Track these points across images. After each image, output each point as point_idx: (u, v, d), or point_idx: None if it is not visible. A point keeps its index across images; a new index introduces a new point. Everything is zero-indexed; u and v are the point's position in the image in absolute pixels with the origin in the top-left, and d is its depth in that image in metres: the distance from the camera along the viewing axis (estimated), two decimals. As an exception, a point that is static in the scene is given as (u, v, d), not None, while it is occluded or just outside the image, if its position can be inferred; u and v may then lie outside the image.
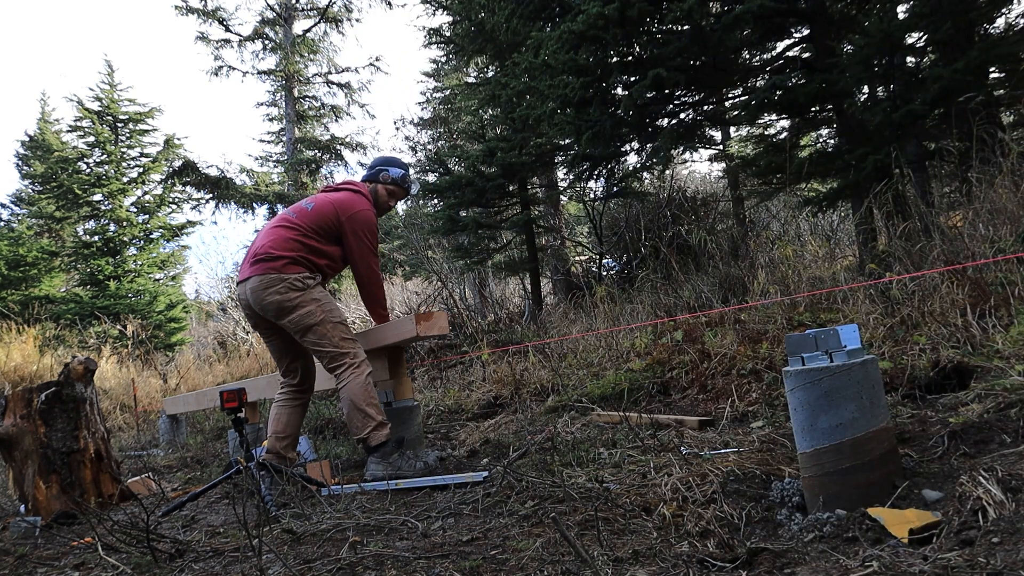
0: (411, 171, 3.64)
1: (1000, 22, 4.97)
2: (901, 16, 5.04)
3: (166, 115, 57.00)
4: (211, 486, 3.01)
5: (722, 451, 2.43)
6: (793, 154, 5.38)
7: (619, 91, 5.51)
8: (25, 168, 20.98)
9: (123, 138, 17.34)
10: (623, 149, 6.25)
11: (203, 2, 14.00)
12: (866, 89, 5.44)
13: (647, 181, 8.90)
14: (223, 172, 13.65)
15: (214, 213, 14.27)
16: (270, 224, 3.42)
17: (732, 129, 9.31)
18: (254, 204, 14.11)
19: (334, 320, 3.23)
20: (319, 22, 14.86)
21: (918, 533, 1.49)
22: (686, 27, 4.95)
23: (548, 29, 6.08)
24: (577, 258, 10.14)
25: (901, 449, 1.92)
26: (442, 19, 23.68)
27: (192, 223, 17.32)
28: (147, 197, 17.13)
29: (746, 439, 2.56)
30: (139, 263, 16.39)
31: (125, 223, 16.31)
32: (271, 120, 18.26)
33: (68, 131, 18.27)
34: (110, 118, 17.10)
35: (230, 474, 3.02)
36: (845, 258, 5.05)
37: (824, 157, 5.09)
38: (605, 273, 8.70)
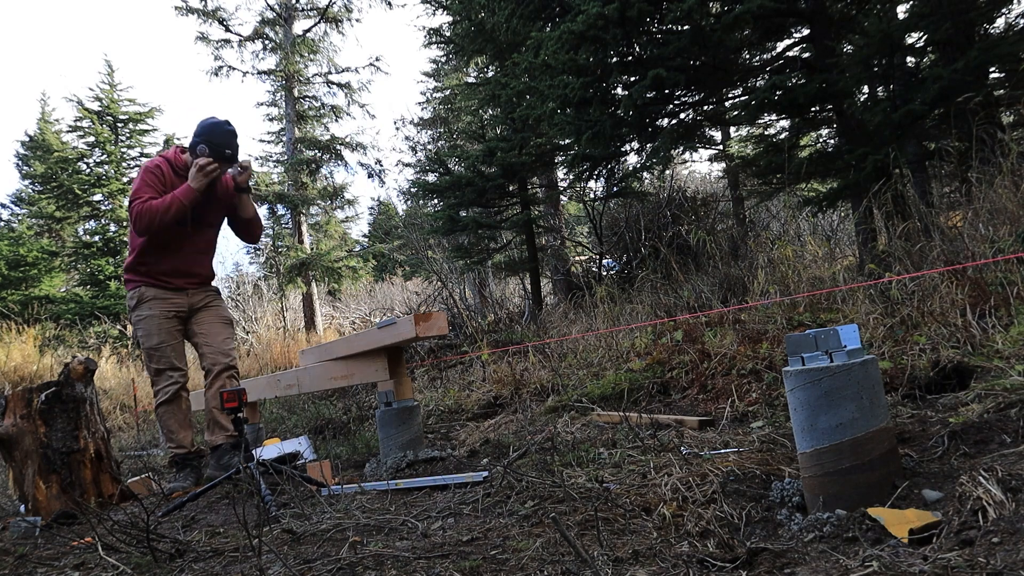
0: (235, 137, 3.43)
1: (1000, 22, 4.97)
2: (901, 16, 5.04)
3: (166, 115, 57.02)
4: (211, 486, 3.01)
5: (722, 451, 2.43)
6: (793, 154, 5.39)
7: (619, 91, 5.51)
8: (25, 168, 20.99)
9: (123, 138, 17.35)
10: (623, 149, 6.25)
11: (203, 2, 14.00)
12: (866, 89, 5.45)
13: (647, 181, 8.91)
14: (223, 172, 13.62)
15: (214, 213, 14.24)
16: None
17: (732, 129, 9.32)
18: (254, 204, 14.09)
19: (144, 347, 3.53)
20: (319, 22, 14.86)
21: (918, 533, 1.49)
22: (686, 27, 4.95)
23: (548, 29, 6.09)
24: (577, 258, 10.14)
25: (901, 449, 1.92)
26: (442, 19, 23.70)
27: (192, 223, 17.29)
28: (147, 197, 17.11)
29: (746, 439, 2.56)
30: (139, 263, 16.36)
31: (125, 223, 16.30)
32: (271, 120, 18.29)
33: (68, 131, 18.29)
34: (110, 118, 17.11)
35: (230, 474, 3.02)
36: (845, 258, 5.06)
37: (824, 157, 5.09)
38: (605, 273, 8.70)
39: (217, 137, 3.34)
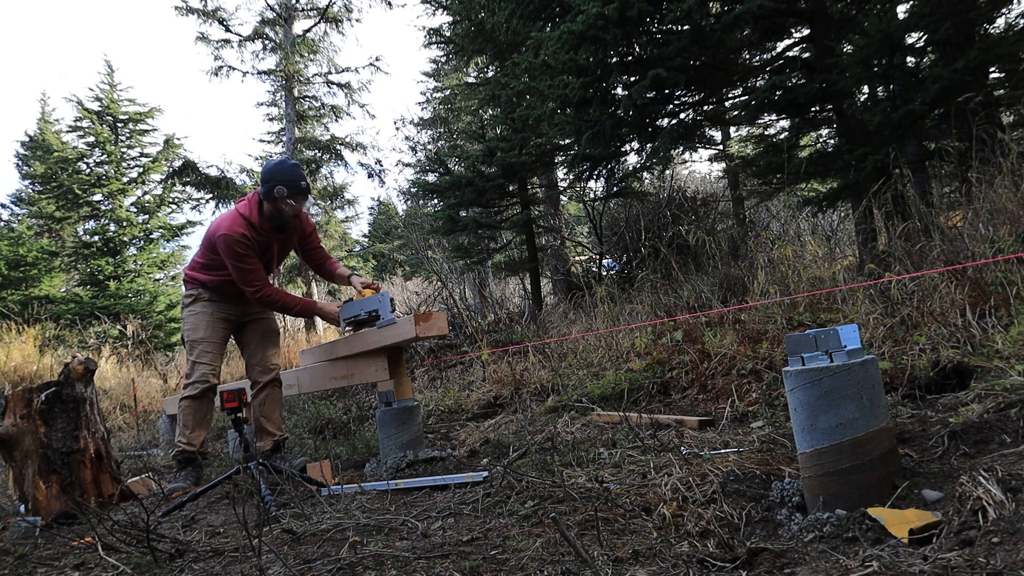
0: (302, 169, 3.61)
1: (1000, 22, 4.97)
2: (901, 16, 5.04)
3: (166, 115, 57.12)
4: (211, 486, 3.01)
5: (722, 451, 2.43)
6: (793, 154, 5.38)
7: (619, 91, 5.51)
8: (25, 168, 20.97)
9: (123, 138, 17.34)
10: (623, 149, 6.25)
11: (203, 2, 13.99)
12: (866, 89, 5.44)
13: (647, 181, 8.91)
14: (223, 172, 13.66)
15: (214, 213, 14.26)
16: None
17: (732, 129, 9.32)
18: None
19: (188, 339, 3.65)
20: (319, 22, 14.85)
21: (918, 533, 1.49)
22: (686, 27, 4.95)
23: (548, 29, 6.08)
24: (577, 258, 10.14)
25: (901, 449, 1.92)
26: (442, 19, 23.69)
27: (192, 223, 17.33)
28: (147, 197, 17.13)
29: (746, 439, 2.56)
30: (139, 263, 16.38)
31: (125, 223, 16.31)
32: (271, 120, 18.28)
33: (68, 131, 18.27)
34: (110, 118, 17.10)
35: (230, 474, 3.02)
36: (845, 258, 5.05)
37: (824, 157, 5.09)
38: (605, 273, 8.70)
39: (288, 174, 3.45)
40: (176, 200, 17.20)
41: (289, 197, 3.43)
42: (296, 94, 15.17)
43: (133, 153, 17.48)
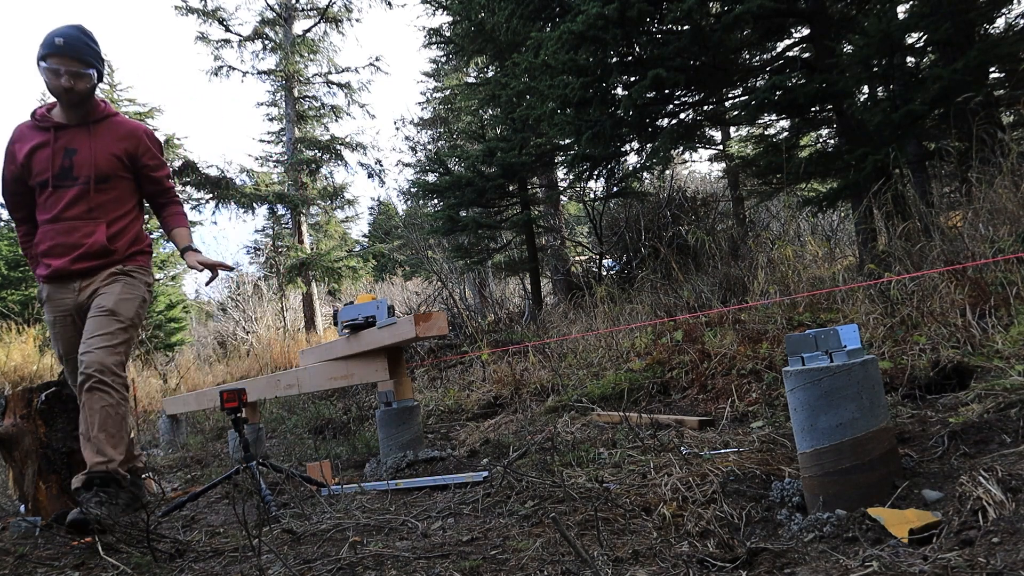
0: (69, 27, 2.54)
1: (1000, 22, 4.98)
2: (901, 16, 5.04)
3: (166, 115, 56.87)
4: (211, 486, 3.01)
5: (722, 451, 2.43)
6: (793, 154, 5.39)
7: (619, 91, 5.51)
8: (25, 168, 20.92)
9: (123, 138, 17.30)
10: (623, 149, 6.25)
11: (203, 2, 13.99)
12: (866, 89, 5.44)
13: (647, 181, 8.91)
14: (223, 172, 13.65)
15: (214, 213, 14.29)
16: None
17: (732, 129, 9.33)
18: (254, 204, 14.11)
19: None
20: (319, 22, 14.85)
21: (918, 533, 1.49)
22: (686, 27, 4.95)
23: (548, 29, 6.08)
24: (577, 258, 10.14)
25: (901, 449, 1.92)
26: (442, 19, 23.67)
27: (192, 223, 17.26)
28: (147, 197, 17.10)
29: (746, 439, 2.56)
30: (139, 263, 16.34)
31: (125, 223, 16.28)
32: (271, 120, 18.27)
33: (68, 131, 18.23)
34: (110, 118, 17.08)
35: (230, 474, 3.02)
36: (845, 258, 5.05)
37: (824, 157, 5.09)
38: (605, 273, 8.70)
39: (46, 36, 2.51)
40: (176, 200, 17.15)
41: (43, 60, 2.49)
42: (296, 94, 15.17)
43: (133, 153, 17.45)
